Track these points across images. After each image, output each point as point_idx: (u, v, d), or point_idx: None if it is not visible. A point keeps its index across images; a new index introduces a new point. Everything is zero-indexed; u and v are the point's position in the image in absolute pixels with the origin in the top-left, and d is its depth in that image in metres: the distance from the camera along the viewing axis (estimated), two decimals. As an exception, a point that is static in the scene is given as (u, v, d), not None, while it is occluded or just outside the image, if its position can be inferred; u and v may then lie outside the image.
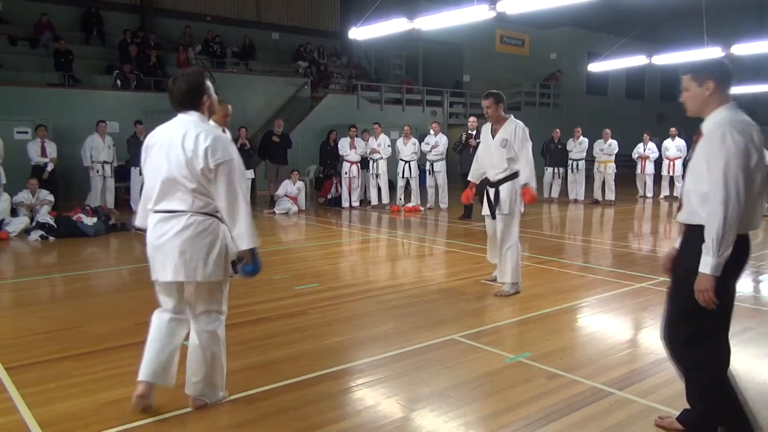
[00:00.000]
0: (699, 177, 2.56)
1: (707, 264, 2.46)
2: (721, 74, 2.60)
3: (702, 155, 2.54)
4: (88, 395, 3.23)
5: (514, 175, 5.28)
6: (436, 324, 4.53)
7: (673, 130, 13.84)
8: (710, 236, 2.45)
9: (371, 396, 3.29)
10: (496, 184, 5.37)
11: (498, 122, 5.36)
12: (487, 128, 5.52)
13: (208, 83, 2.99)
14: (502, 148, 5.27)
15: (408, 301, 5.19)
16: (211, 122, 3.63)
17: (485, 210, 5.50)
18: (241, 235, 2.84)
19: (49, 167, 10.37)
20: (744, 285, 5.95)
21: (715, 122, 2.55)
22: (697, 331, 2.63)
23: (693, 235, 2.60)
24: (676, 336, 2.73)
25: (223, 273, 2.96)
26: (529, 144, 5.29)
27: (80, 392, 3.27)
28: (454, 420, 2.98)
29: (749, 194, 2.45)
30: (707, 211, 2.48)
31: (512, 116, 5.42)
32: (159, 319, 3.04)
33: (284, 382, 3.41)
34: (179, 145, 2.83)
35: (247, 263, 2.92)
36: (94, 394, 3.25)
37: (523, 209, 5.50)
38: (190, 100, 2.93)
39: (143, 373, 2.98)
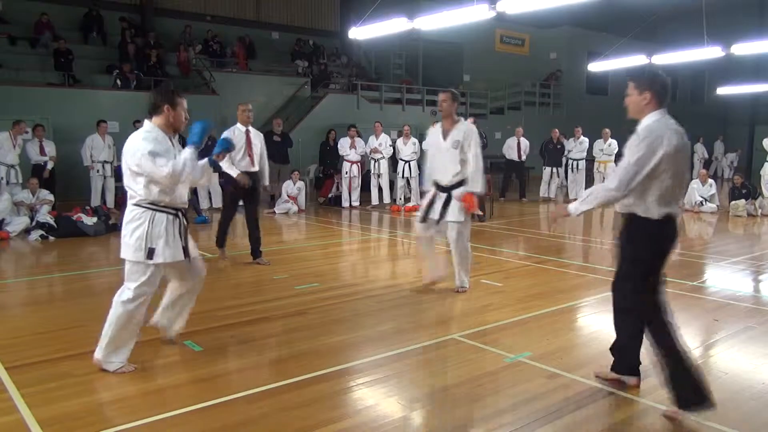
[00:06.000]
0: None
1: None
2: (658, 87, 3.07)
3: (629, 150, 3.03)
4: (89, 395, 3.24)
5: (466, 180, 5.16)
6: (436, 324, 4.53)
7: None
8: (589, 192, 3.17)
9: (371, 395, 3.29)
10: (448, 189, 5.19)
11: (450, 122, 5.20)
12: (437, 130, 5.29)
13: (175, 98, 3.59)
14: (454, 150, 5.09)
15: (408, 301, 5.20)
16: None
17: (434, 214, 5.23)
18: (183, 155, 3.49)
19: (49, 166, 10.37)
20: (744, 285, 5.96)
21: (644, 126, 3.05)
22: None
23: (628, 223, 3.13)
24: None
25: (140, 255, 3.48)
26: (479, 149, 5.14)
27: (80, 392, 3.27)
28: (454, 420, 2.98)
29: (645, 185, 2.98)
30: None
31: (463, 119, 5.27)
32: None
33: (284, 381, 3.41)
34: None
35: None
36: (94, 394, 3.25)
37: (463, 218, 5.21)
38: (152, 110, 3.60)
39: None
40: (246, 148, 6.37)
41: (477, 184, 5.10)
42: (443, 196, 5.22)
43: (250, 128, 6.52)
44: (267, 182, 6.89)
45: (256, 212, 6.72)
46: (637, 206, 3.04)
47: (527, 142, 13.63)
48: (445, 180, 5.20)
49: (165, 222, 3.52)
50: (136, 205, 3.53)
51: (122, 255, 3.55)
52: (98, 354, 3.55)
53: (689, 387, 2.91)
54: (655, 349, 3.05)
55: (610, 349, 3.41)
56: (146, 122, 3.62)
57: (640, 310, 3.13)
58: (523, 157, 13.55)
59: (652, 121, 3.04)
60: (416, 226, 5.49)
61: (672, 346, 2.98)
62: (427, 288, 5.51)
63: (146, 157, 3.40)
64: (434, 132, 5.32)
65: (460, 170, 5.13)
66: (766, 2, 21.72)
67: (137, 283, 3.51)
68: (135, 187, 3.51)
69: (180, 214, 3.63)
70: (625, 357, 3.33)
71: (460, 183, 5.17)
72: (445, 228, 5.32)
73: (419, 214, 5.41)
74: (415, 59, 19.89)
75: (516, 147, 13.48)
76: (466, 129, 5.16)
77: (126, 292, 3.53)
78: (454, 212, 5.17)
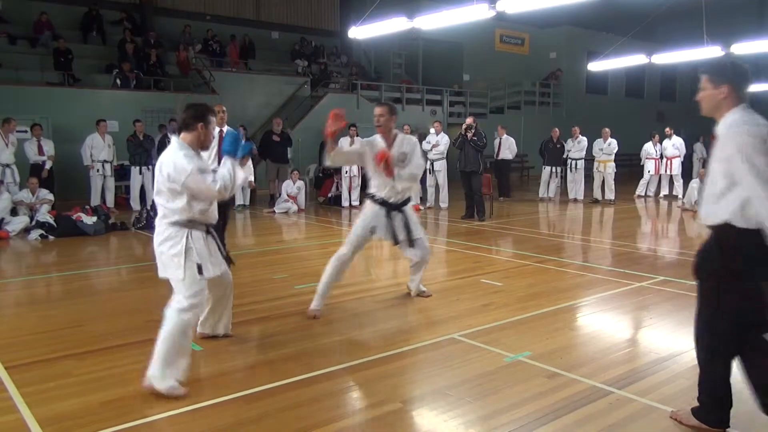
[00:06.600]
0: (714, 178, 2.64)
1: None
2: (737, 78, 2.66)
3: (716, 157, 2.62)
4: (88, 394, 3.23)
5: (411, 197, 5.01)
6: (436, 323, 4.53)
7: (668, 129, 13.88)
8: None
9: (371, 395, 3.29)
10: (399, 206, 4.81)
11: (389, 137, 4.74)
12: (375, 143, 4.77)
13: (209, 117, 3.53)
14: (401, 163, 4.69)
15: (408, 301, 5.20)
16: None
17: (382, 233, 4.81)
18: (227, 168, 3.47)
19: (48, 165, 10.37)
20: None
21: (727, 125, 2.62)
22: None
23: (713, 234, 2.71)
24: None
25: (180, 273, 3.40)
26: (422, 160, 4.92)
27: (80, 391, 3.27)
28: (453, 419, 2.99)
29: None
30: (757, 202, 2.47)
31: (400, 131, 4.88)
32: None
33: (284, 381, 3.41)
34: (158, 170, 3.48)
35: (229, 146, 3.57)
36: (94, 394, 3.24)
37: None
38: (183, 127, 3.55)
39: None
40: (218, 148, 6.28)
41: (406, 178, 4.69)
42: (397, 214, 4.81)
43: (225, 128, 6.54)
44: (252, 178, 7.40)
45: (227, 210, 6.75)
46: (735, 215, 2.54)
47: (512, 140, 13.79)
48: (395, 197, 4.78)
49: (202, 238, 3.50)
50: (172, 224, 3.45)
51: (163, 275, 3.48)
52: (153, 371, 3.27)
53: (724, 409, 2.80)
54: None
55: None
56: (175, 139, 3.53)
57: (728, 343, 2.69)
58: (506, 155, 13.68)
59: (738, 116, 2.60)
60: (354, 240, 4.85)
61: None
62: (310, 317, 4.66)
63: (195, 175, 3.33)
64: (371, 144, 4.76)
65: (407, 185, 4.81)
66: (766, 2, 21.72)
67: (189, 293, 3.43)
68: (173, 207, 3.42)
69: (211, 229, 3.60)
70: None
71: (408, 200, 4.90)
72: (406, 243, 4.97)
73: (373, 233, 4.86)
74: (414, 59, 19.91)
75: (498, 146, 13.71)
76: (412, 141, 4.86)
77: (181, 301, 3.43)
78: (417, 229, 4.93)
